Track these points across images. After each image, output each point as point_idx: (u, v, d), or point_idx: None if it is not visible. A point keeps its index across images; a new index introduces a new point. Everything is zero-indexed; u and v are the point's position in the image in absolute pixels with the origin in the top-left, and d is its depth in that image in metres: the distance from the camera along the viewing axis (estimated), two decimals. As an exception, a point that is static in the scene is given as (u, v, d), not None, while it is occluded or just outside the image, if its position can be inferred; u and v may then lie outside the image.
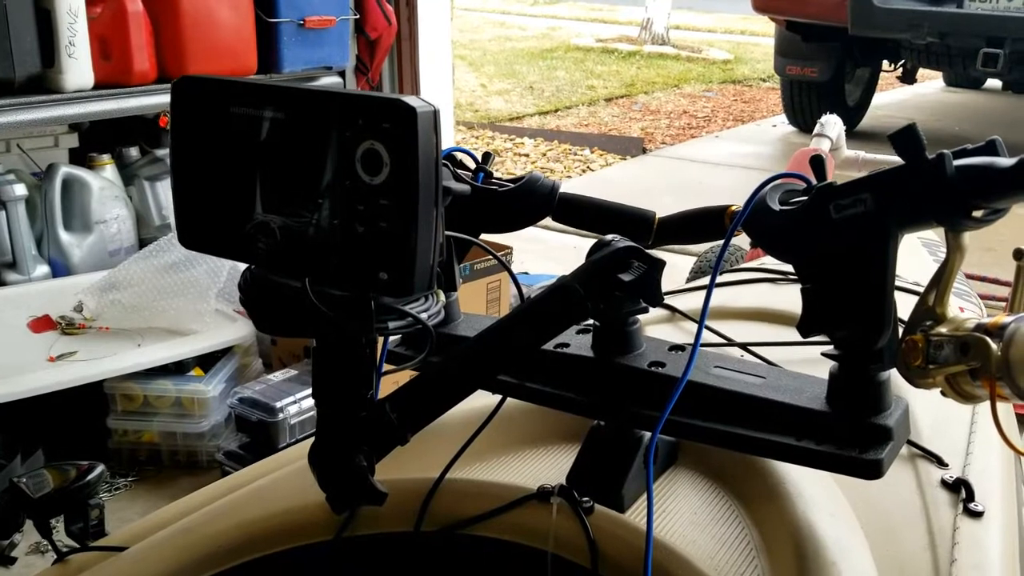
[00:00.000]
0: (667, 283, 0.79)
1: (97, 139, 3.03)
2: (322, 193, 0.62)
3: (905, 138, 0.64)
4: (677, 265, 2.91)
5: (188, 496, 0.93)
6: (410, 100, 0.59)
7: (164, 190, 3.04)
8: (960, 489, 0.85)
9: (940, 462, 0.90)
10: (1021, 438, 1.85)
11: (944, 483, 0.86)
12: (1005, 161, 0.62)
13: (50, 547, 0.87)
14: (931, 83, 8.80)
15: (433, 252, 0.62)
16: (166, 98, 0.69)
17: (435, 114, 0.60)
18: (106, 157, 2.94)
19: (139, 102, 2.79)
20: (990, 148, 0.64)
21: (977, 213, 0.63)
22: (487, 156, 0.89)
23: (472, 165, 0.88)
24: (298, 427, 2.34)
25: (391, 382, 0.76)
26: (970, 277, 2.26)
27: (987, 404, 0.63)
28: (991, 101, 8.19)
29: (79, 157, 2.99)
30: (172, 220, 3.00)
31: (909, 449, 0.91)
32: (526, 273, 3.60)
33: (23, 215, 2.68)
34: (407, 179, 0.59)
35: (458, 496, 0.79)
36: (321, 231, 0.63)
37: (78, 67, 2.60)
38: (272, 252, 0.65)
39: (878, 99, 7.19)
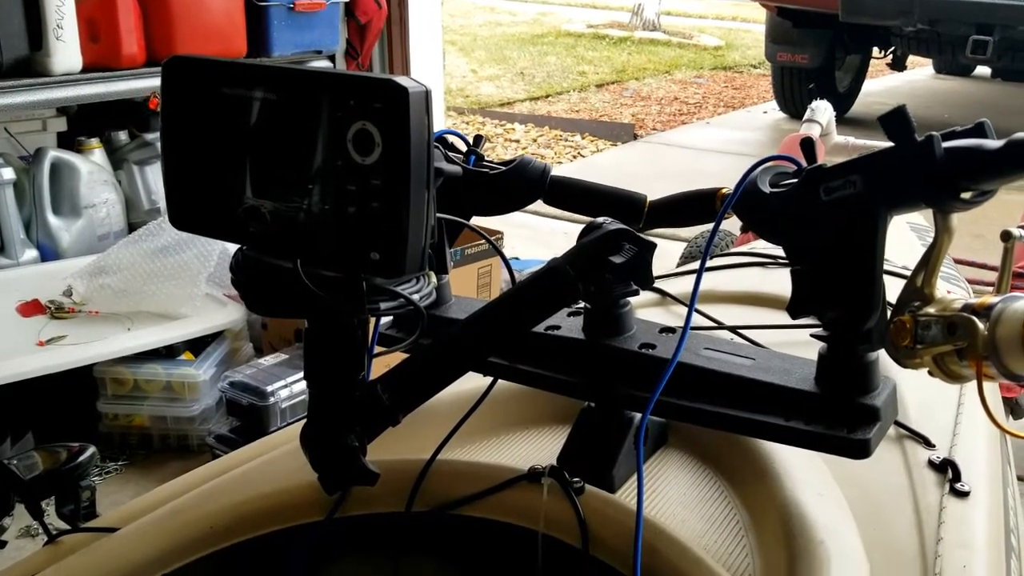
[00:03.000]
0: (657, 268, 0.79)
1: (85, 123, 3.01)
2: (312, 178, 0.62)
3: (894, 120, 0.64)
4: (667, 250, 2.92)
5: (180, 478, 0.94)
6: (402, 80, 0.59)
7: (153, 174, 3.03)
8: (947, 469, 0.86)
9: (927, 443, 0.91)
10: (1007, 419, 1.86)
11: (931, 463, 0.87)
12: (993, 143, 0.63)
13: (41, 529, 0.87)
14: (921, 70, 8.82)
15: (425, 233, 0.62)
16: (155, 82, 0.69)
17: (427, 94, 0.60)
18: (95, 141, 2.93)
19: (128, 85, 2.77)
20: (978, 130, 0.64)
21: (965, 195, 0.64)
22: (478, 139, 0.89)
23: (463, 148, 0.88)
24: (289, 411, 2.34)
25: (383, 365, 0.76)
26: (958, 262, 2.27)
27: (974, 386, 0.64)
28: (980, 88, 8.21)
29: (67, 141, 2.97)
30: (162, 204, 3.00)
31: (897, 430, 0.92)
32: (517, 258, 3.60)
33: (11, 199, 2.67)
34: (399, 159, 0.59)
35: (449, 477, 0.80)
36: (312, 216, 0.63)
37: (66, 50, 2.58)
38: (263, 235, 0.65)
39: (868, 86, 7.20)
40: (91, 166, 2.84)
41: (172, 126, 0.68)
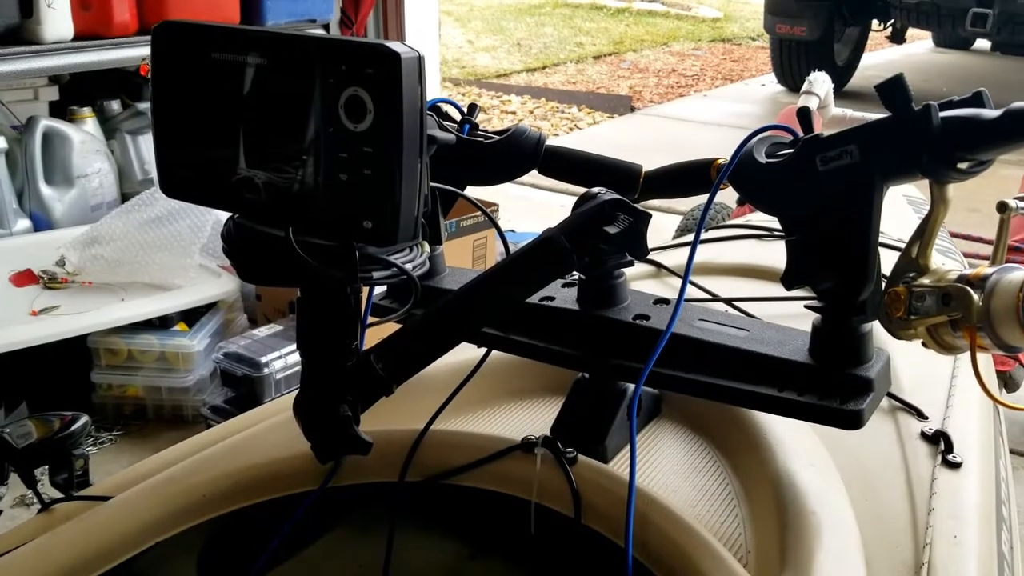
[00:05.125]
0: (652, 241, 0.79)
1: (77, 92, 2.98)
2: (306, 149, 0.62)
3: (892, 89, 0.64)
4: (663, 224, 2.91)
5: (173, 447, 0.94)
6: (394, 46, 0.58)
7: (147, 144, 3.00)
8: (939, 441, 0.86)
9: (920, 415, 0.91)
10: (1000, 393, 1.87)
11: (923, 435, 0.88)
12: (990, 113, 0.62)
13: (35, 498, 0.87)
14: (920, 43, 8.76)
15: (418, 201, 0.62)
16: (147, 50, 0.68)
17: (419, 60, 0.59)
18: (87, 110, 2.90)
19: (119, 54, 2.74)
20: (976, 100, 0.64)
21: (962, 165, 0.63)
22: (473, 107, 0.88)
23: (458, 117, 0.87)
24: (283, 382, 2.34)
25: (376, 337, 0.76)
26: (954, 236, 2.27)
27: (967, 358, 0.64)
28: (980, 62, 8.17)
29: (59, 110, 2.94)
30: (155, 175, 2.98)
31: (890, 402, 0.92)
32: (512, 231, 3.59)
33: (3, 168, 2.64)
34: (391, 126, 0.59)
35: (443, 447, 0.80)
36: (305, 185, 0.62)
37: (57, 18, 2.55)
38: (257, 204, 0.65)
39: (867, 59, 7.15)
40: (83, 135, 2.82)
41: (163, 92, 0.68)
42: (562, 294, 0.83)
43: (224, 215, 0.69)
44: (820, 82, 2.11)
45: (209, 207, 0.70)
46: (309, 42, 0.61)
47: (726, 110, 6.41)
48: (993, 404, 1.04)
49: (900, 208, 1.58)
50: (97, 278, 2.50)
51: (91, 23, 2.66)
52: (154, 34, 0.67)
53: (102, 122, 2.97)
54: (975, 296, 0.62)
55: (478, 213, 2.76)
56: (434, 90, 4.51)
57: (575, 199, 0.76)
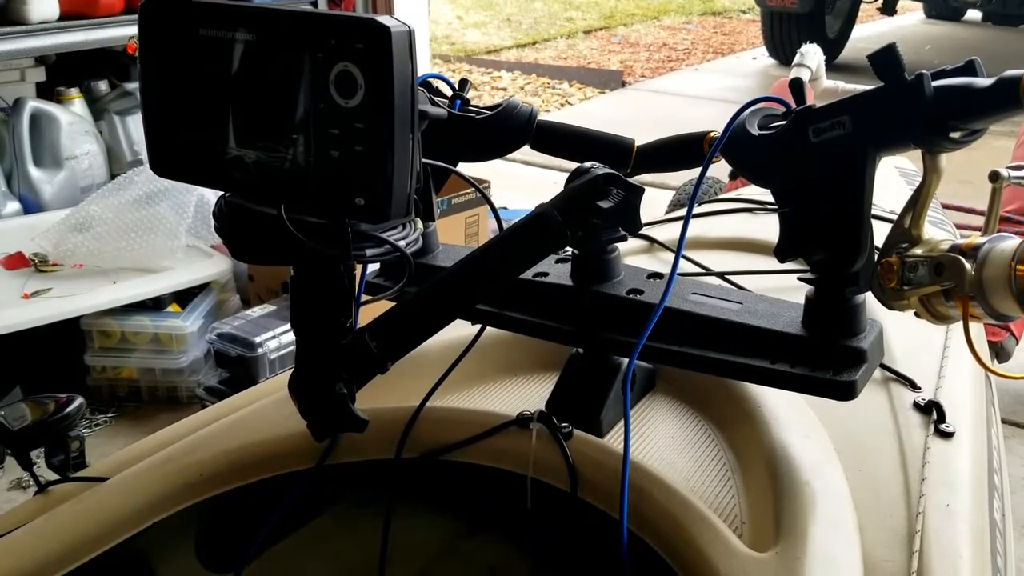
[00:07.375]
0: (646, 216, 0.79)
1: (64, 72, 2.96)
2: (297, 126, 0.61)
3: (884, 59, 0.64)
4: (656, 199, 2.90)
5: (169, 427, 0.94)
6: (384, 20, 0.58)
7: (135, 125, 2.98)
8: (932, 411, 0.87)
9: (913, 385, 0.91)
10: (992, 363, 1.88)
11: (916, 405, 0.88)
12: (983, 81, 0.62)
13: (31, 480, 0.87)
14: (911, 15, 8.73)
15: (410, 177, 0.61)
16: (134, 29, 0.67)
17: (410, 34, 0.59)
18: (74, 91, 2.88)
19: (106, 34, 2.72)
20: (968, 69, 0.64)
21: (955, 134, 0.63)
22: (463, 83, 0.88)
23: (449, 93, 0.87)
24: (278, 362, 2.34)
25: (370, 315, 0.76)
26: (946, 207, 2.27)
27: (959, 329, 0.64)
28: (971, 33, 8.14)
29: (47, 91, 2.92)
30: (144, 154, 2.95)
31: (882, 372, 0.92)
32: (505, 208, 3.58)
33: (-9, 151, 2.63)
34: (382, 101, 0.58)
35: (439, 424, 0.80)
36: (297, 164, 0.62)
37: (42, -3, 2.53)
38: (248, 182, 0.64)
39: (858, 31, 7.12)
40: (71, 117, 2.79)
41: (150, 71, 0.67)
42: (556, 270, 0.83)
43: (211, 192, 0.69)
44: (811, 54, 2.11)
45: (200, 186, 0.69)
46: (298, 17, 0.60)
47: (718, 84, 6.38)
48: (985, 374, 1.05)
49: (892, 179, 1.58)
50: (83, 262, 2.47)
51: (77, 2, 2.64)
52: (141, 12, 0.66)
53: (90, 103, 2.94)
54: (967, 266, 0.62)
55: (470, 190, 2.75)
56: (424, 67, 4.48)
57: (567, 175, 0.76)
